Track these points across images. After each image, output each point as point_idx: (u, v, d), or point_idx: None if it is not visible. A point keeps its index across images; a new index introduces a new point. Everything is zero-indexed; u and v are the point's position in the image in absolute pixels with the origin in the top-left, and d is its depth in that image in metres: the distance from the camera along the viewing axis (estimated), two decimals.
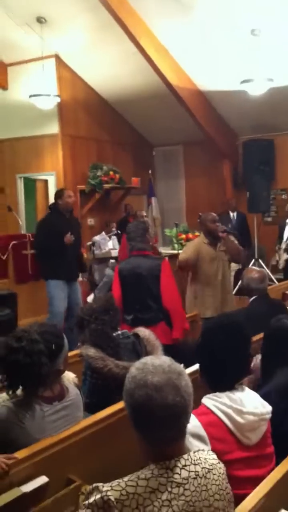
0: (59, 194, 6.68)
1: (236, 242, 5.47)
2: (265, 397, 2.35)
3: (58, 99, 9.49)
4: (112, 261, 9.25)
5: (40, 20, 8.75)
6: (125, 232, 7.89)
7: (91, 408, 2.96)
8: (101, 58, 9.52)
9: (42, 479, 2.24)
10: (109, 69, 9.77)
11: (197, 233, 9.78)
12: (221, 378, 2.26)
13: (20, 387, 2.47)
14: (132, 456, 2.65)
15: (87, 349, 3.18)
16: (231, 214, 10.58)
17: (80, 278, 7.13)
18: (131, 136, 11.83)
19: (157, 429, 1.62)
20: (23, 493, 2.13)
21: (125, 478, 1.62)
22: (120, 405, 2.76)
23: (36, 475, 2.24)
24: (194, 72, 9.41)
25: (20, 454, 2.25)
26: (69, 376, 2.92)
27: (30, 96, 9.16)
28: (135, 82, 9.88)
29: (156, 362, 1.68)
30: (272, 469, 2.27)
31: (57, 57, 9.85)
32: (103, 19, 8.20)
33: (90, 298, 8.58)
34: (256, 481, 2.12)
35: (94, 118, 10.84)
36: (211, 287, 5.34)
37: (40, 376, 2.43)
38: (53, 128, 10.12)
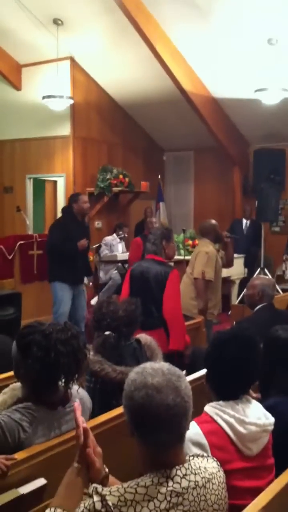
0: (74, 198, 6.59)
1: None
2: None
3: (71, 101, 9.52)
4: (119, 264, 9.24)
5: (56, 21, 8.81)
6: (140, 235, 7.96)
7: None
8: (116, 61, 9.55)
9: (40, 481, 2.23)
10: (123, 73, 9.79)
11: None
12: (227, 388, 2.25)
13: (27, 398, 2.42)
14: (132, 461, 2.64)
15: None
16: (244, 221, 10.56)
17: (85, 282, 7.12)
18: (142, 140, 11.83)
19: (156, 431, 1.61)
20: (21, 495, 2.12)
21: (125, 484, 1.61)
22: (121, 409, 2.74)
23: (35, 477, 2.23)
24: (208, 79, 9.42)
25: (19, 455, 2.23)
26: None
27: (44, 97, 9.19)
28: (149, 87, 9.90)
29: (155, 366, 1.70)
30: (272, 481, 2.25)
31: (72, 59, 9.88)
32: (120, 22, 8.22)
33: (94, 301, 8.56)
34: (255, 492, 2.09)
35: (106, 121, 10.86)
36: (218, 291, 5.58)
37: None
38: (65, 130, 10.15)
